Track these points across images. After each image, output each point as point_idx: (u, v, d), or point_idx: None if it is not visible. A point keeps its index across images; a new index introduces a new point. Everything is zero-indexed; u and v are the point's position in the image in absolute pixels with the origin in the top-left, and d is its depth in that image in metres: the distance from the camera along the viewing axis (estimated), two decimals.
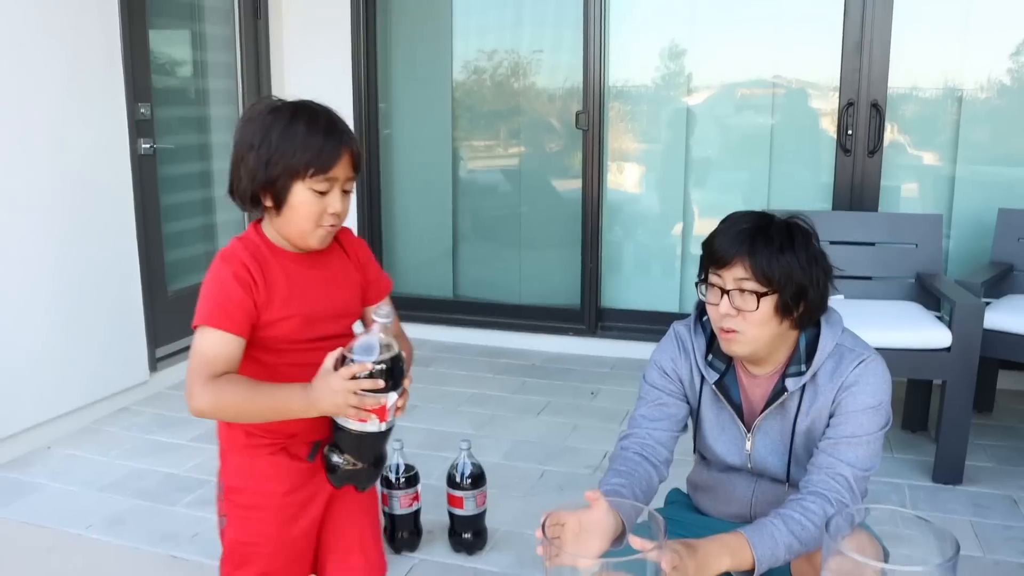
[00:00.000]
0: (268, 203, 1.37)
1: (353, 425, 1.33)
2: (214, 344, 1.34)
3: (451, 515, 2.38)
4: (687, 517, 1.77)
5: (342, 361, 1.29)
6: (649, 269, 4.33)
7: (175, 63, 3.97)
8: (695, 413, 1.66)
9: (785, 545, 1.36)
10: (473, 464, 2.37)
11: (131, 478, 2.87)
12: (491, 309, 4.46)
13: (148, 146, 3.57)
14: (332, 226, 1.40)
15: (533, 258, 4.46)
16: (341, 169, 1.36)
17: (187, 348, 3.99)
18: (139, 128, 3.51)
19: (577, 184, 4.19)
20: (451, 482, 2.36)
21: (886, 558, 1.49)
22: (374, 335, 1.30)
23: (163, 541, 2.45)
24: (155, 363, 3.65)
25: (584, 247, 4.20)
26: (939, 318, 2.90)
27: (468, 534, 2.39)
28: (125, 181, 3.42)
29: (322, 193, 1.35)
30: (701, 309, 1.63)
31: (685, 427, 1.67)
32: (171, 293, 3.81)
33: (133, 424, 3.35)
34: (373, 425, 1.33)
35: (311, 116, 1.35)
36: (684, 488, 1.87)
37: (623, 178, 4.26)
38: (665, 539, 1.23)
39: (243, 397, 1.33)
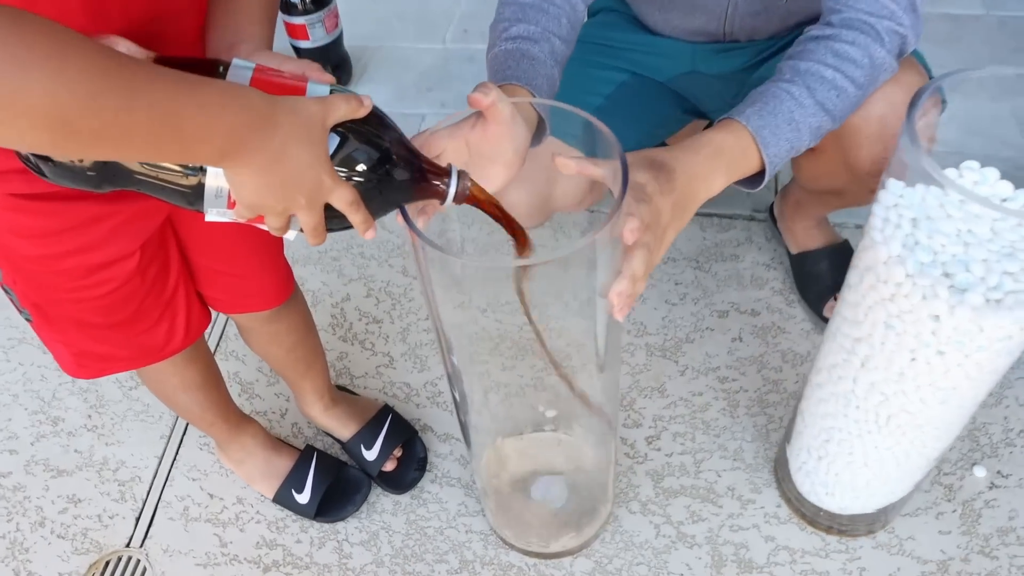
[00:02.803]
0: None
1: (223, 207, 0.60)
2: None
3: (296, 50, 1.72)
4: (626, 38, 1.17)
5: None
6: None
7: None
8: None
9: (811, 129, 0.79)
10: None
11: None
12: None
13: None
14: None
15: None
16: None
17: None
18: None
19: None
20: (285, 7, 1.65)
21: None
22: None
23: None
24: None
25: None
26: None
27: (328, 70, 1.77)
28: None
29: None
30: None
31: None
32: None
33: None
34: (228, 216, 0.62)
35: None
36: None
37: None
38: (625, 186, 0.66)
39: (110, 82, 0.45)
